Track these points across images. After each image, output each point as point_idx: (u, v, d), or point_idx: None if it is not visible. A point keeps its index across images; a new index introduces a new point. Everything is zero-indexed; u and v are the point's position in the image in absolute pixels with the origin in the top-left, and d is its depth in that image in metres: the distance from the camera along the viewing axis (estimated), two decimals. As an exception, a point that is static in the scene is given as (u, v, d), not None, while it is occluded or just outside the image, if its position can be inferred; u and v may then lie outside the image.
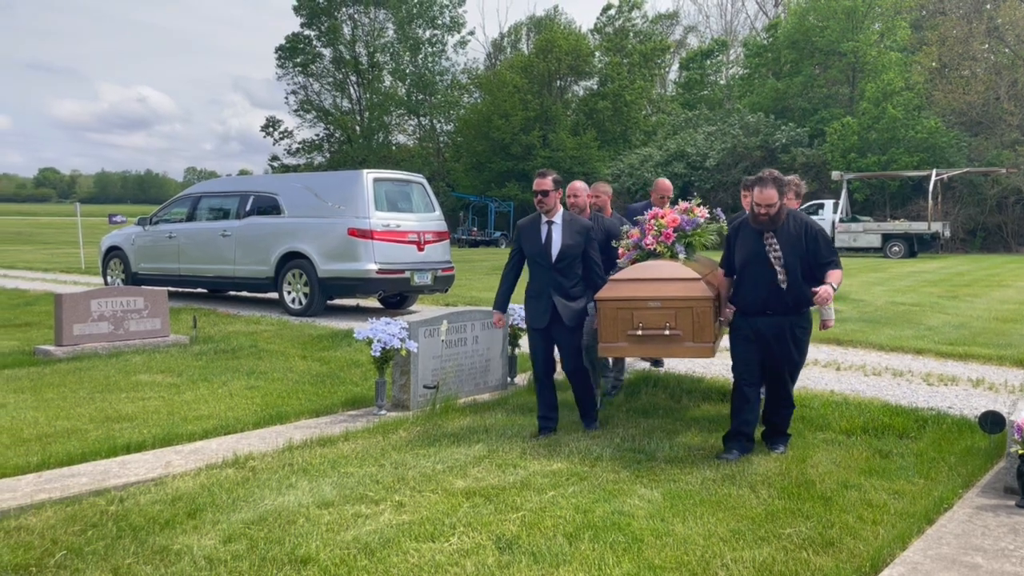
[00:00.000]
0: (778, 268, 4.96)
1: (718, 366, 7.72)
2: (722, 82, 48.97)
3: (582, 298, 5.50)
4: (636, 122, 44.72)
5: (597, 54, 45.67)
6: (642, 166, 37.73)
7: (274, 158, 51.90)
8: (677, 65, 51.27)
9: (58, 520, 3.90)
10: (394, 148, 49.90)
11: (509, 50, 52.47)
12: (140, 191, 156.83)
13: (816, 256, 5.01)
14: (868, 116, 33.79)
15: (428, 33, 50.22)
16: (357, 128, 50.04)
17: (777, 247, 4.95)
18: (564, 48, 43.00)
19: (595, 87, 45.43)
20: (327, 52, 49.96)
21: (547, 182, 5.43)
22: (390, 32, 50.18)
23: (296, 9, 49.11)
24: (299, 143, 51.18)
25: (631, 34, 47.63)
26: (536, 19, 51.30)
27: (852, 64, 37.83)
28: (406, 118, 51.87)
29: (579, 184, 6.27)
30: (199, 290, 13.55)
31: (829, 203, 30.08)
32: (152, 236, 13.21)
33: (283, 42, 49.90)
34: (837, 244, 28.97)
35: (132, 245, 13.48)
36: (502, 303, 5.76)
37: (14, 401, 6.33)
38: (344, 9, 49.33)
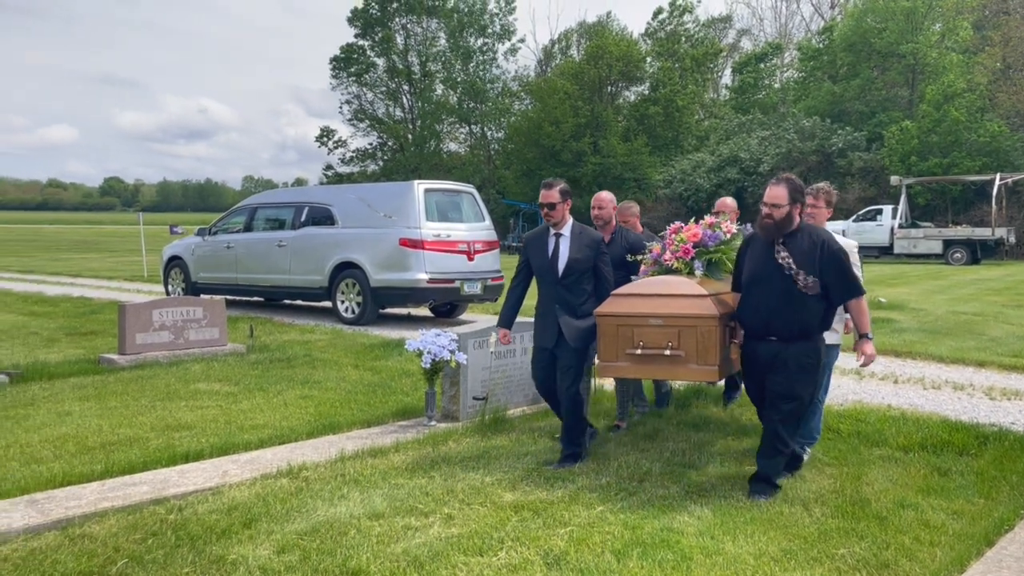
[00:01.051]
0: (795, 273, 4.42)
1: (771, 378, 7.62)
2: (776, 86, 48.26)
3: (591, 316, 5.07)
4: (688, 127, 44.31)
5: (648, 59, 45.40)
6: (694, 172, 37.38)
7: (328, 167, 52.75)
8: (729, 69, 50.70)
9: (120, 528, 4.03)
10: (445, 156, 50.29)
11: (559, 57, 52.48)
12: (200, 199, 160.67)
13: (833, 280, 4.42)
14: (928, 119, 32.94)
15: (479, 41, 50.56)
16: (409, 136, 50.57)
17: (789, 257, 4.43)
18: (615, 54, 42.83)
19: (646, 92, 45.16)
20: (380, 62, 50.64)
21: (553, 194, 5.12)
22: (442, 41, 50.65)
23: (351, 20, 49.91)
24: (353, 152, 51.93)
25: (683, 38, 47.26)
26: (587, 25, 51.26)
27: (911, 66, 36.94)
28: (457, 126, 52.25)
29: (604, 195, 5.99)
30: (255, 299, 13.84)
31: (888, 208, 29.41)
32: (211, 246, 13.55)
33: (338, 52, 50.74)
34: (896, 251, 28.33)
35: (192, 255, 13.84)
36: (507, 319, 5.44)
37: (79, 409, 6.55)
38: (397, 19, 49.96)
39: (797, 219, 4.47)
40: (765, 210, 4.42)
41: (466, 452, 5.38)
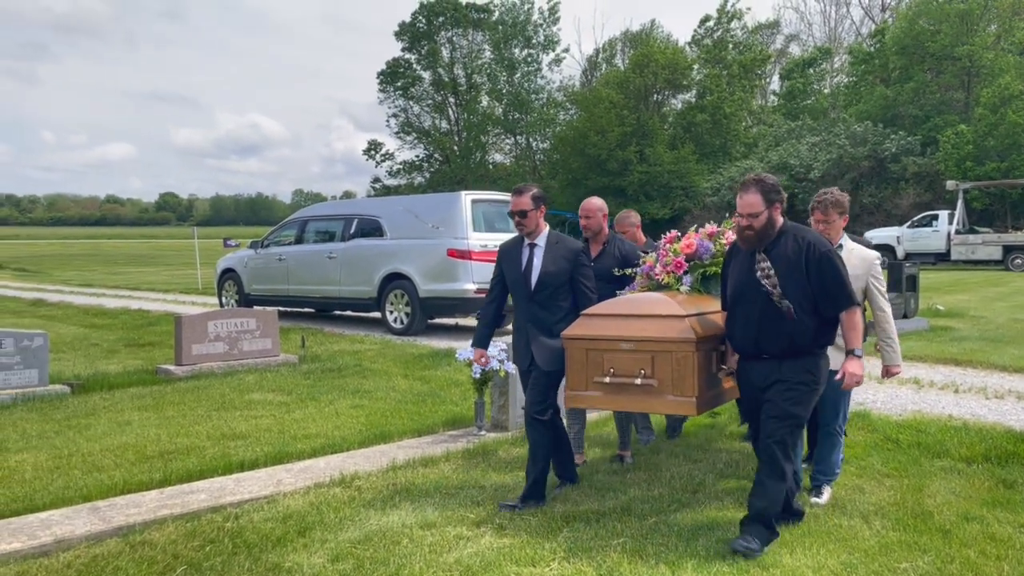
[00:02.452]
0: (773, 291, 3.90)
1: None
2: (826, 91, 47.52)
3: None
4: (736, 134, 43.89)
5: (695, 67, 45.10)
6: (743, 179, 36.96)
7: (376, 179, 53.47)
8: (777, 76, 50.08)
9: (179, 535, 4.11)
10: (491, 167, 50.58)
11: (604, 66, 52.44)
12: (251, 213, 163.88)
13: (820, 287, 3.86)
14: (985, 122, 32.12)
15: (524, 52, 50.81)
16: (455, 148, 51.01)
17: (770, 269, 3.91)
18: (661, 62, 42.65)
19: (693, 100, 44.85)
20: (426, 75, 51.25)
21: (524, 200, 4.62)
22: (487, 53, 51.05)
23: (398, 34, 50.62)
24: (400, 164, 52.57)
25: (730, 45, 46.86)
26: (631, 34, 51.14)
27: (966, 68, 36.09)
28: (503, 137, 52.56)
29: (592, 202, 5.40)
30: (306, 310, 14.05)
31: (944, 214, 28.70)
32: (263, 259, 13.80)
33: (385, 67, 51.42)
34: (954, 257, 27.59)
35: (245, 267, 14.11)
36: (481, 339, 5.00)
37: (139, 419, 6.70)
38: (443, 33, 50.53)
39: (779, 220, 3.96)
40: (743, 222, 3.92)
41: (516, 462, 5.37)
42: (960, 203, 29.08)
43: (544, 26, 51.06)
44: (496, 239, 11.47)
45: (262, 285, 13.79)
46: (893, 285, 11.23)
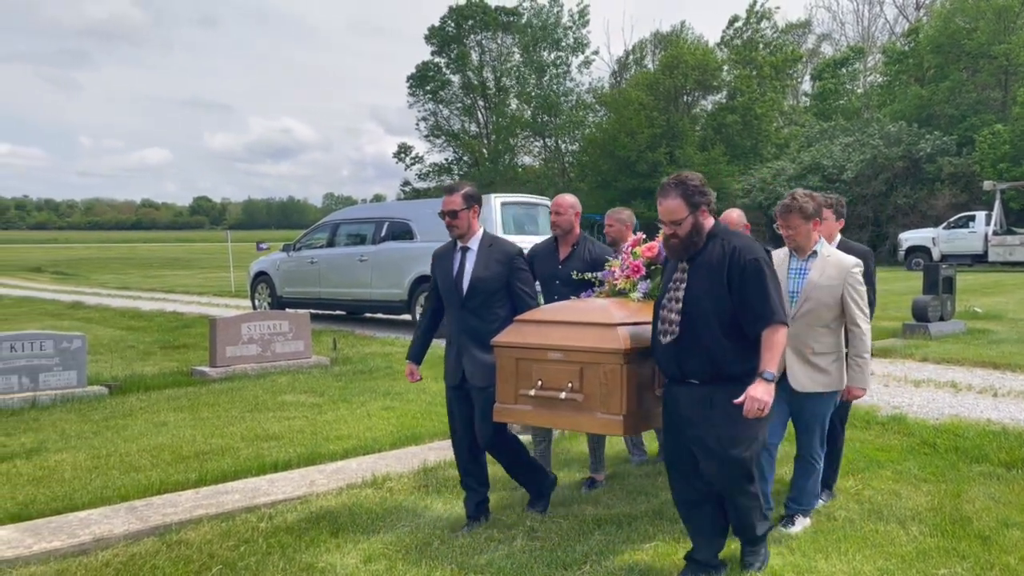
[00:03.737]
0: (669, 314, 3.43)
1: (860, 391, 7.38)
2: (859, 91, 46.92)
3: None
4: (767, 135, 43.47)
5: (725, 67, 44.78)
6: (774, 180, 36.58)
7: (406, 183, 53.73)
8: (809, 76, 49.56)
9: (214, 535, 4.16)
10: (520, 170, 50.61)
11: (634, 68, 52.26)
12: (283, 216, 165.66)
13: (743, 302, 3.33)
14: (1022, 122, 31.50)
15: (553, 55, 50.80)
16: (484, 151, 51.12)
17: (682, 283, 3.43)
18: (691, 63, 42.40)
19: (723, 101, 44.53)
20: (456, 79, 51.42)
21: (455, 199, 4.26)
22: (516, 56, 51.11)
23: (427, 38, 50.86)
24: (429, 167, 52.78)
25: (760, 45, 46.46)
26: (661, 36, 50.90)
27: (1004, 67, 35.43)
28: (531, 140, 52.57)
29: (564, 198, 4.96)
30: (338, 312, 14.16)
31: (981, 215, 28.18)
32: (296, 261, 13.95)
33: (414, 71, 51.69)
34: (991, 258, 27.09)
35: (277, 270, 14.27)
36: (414, 352, 4.57)
37: (174, 420, 6.80)
38: (472, 36, 50.67)
39: (707, 224, 3.46)
40: (667, 229, 3.46)
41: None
42: (997, 204, 28.52)
43: (573, 28, 51.02)
44: (526, 242, 11.43)
45: (294, 288, 13.93)
46: (930, 287, 11.06)
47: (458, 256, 4.34)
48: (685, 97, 44.60)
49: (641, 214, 42.96)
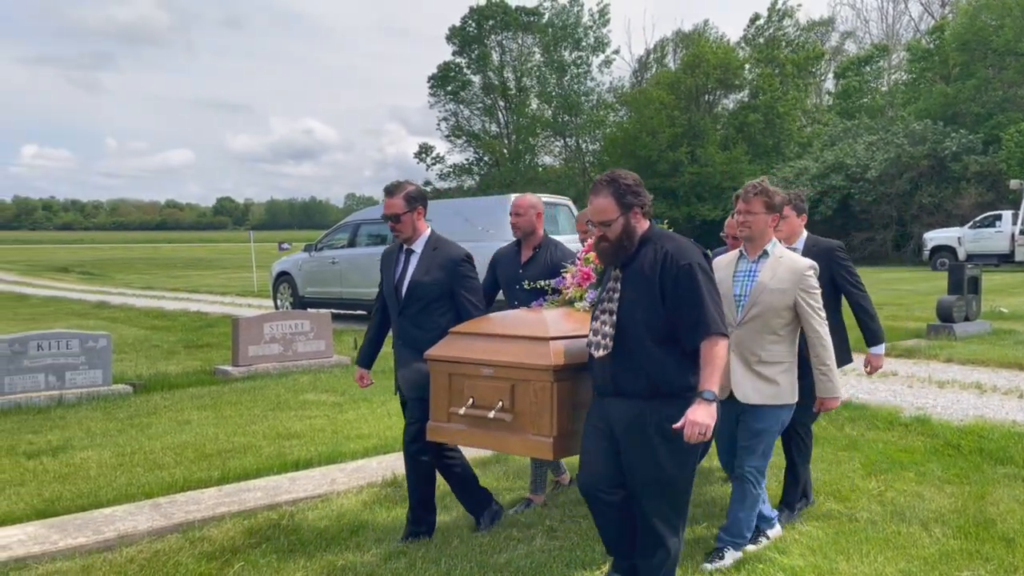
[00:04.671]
0: (602, 326, 3.15)
1: (883, 392, 7.32)
2: (883, 89, 46.45)
3: None
4: (790, 134, 43.16)
5: (747, 66, 44.51)
6: (797, 179, 36.31)
7: (427, 183, 53.81)
8: (832, 74, 49.13)
9: (237, 532, 4.21)
10: (540, 169, 50.57)
11: (655, 67, 52.07)
12: (305, 217, 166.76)
13: (677, 312, 3.04)
14: (1051, 119, 31.06)
15: (573, 55, 50.75)
16: (505, 151, 51.14)
17: (616, 292, 3.16)
18: (712, 62, 42.18)
19: (745, 99, 44.26)
20: (476, 79, 51.48)
21: (396, 202, 4.00)
22: (537, 56, 51.09)
23: (448, 38, 50.97)
24: (450, 167, 52.89)
25: (783, 43, 46.13)
26: (682, 34, 50.67)
27: (1032, 63, 34.93)
28: (552, 139, 52.52)
29: (526, 199, 4.66)
30: (359, 312, 14.23)
31: (1007, 214, 27.80)
32: (317, 262, 14.04)
33: (435, 71, 51.83)
34: (1018, 258, 26.73)
35: (299, 270, 14.37)
36: (364, 357, 4.41)
37: (198, 418, 6.87)
38: (493, 36, 50.73)
39: (641, 227, 3.17)
40: (597, 232, 3.20)
41: (567, 465, 5.37)
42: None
43: (594, 28, 50.91)
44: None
45: (316, 288, 14.02)
46: (955, 287, 10.94)
47: (402, 259, 4.12)
48: (707, 96, 44.37)
49: (662, 214, 42.83)
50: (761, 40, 46.46)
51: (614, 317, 3.11)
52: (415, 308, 4.01)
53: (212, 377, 8.76)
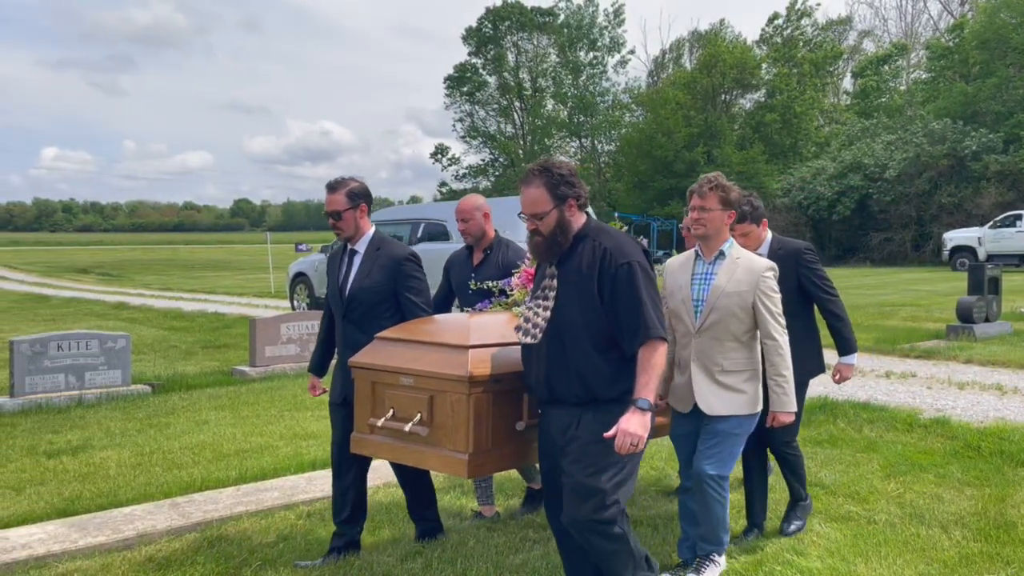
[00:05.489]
0: (534, 316, 2.96)
1: (902, 393, 7.26)
2: (902, 88, 46.09)
3: None
4: (807, 134, 42.93)
5: (764, 66, 44.30)
6: (815, 179, 36.12)
7: (443, 184, 53.95)
8: (850, 73, 48.81)
9: (254, 531, 4.23)
10: (556, 170, 50.57)
11: (671, 66, 51.95)
12: (322, 218, 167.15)
13: (615, 314, 2.84)
14: (1073, 117, 30.69)
15: (589, 55, 50.73)
16: (520, 152, 51.16)
17: (551, 291, 2.95)
18: (729, 61, 42.01)
19: (762, 99, 44.06)
20: (492, 80, 51.57)
21: (338, 198, 3.81)
22: (552, 57, 51.12)
23: (464, 38, 51.10)
24: (466, 168, 53.00)
25: (800, 43, 45.89)
26: (699, 34, 50.52)
27: (1053, 61, 34.54)
28: (567, 140, 52.51)
29: (469, 202, 4.41)
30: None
31: (1029, 214, 27.52)
32: (333, 263, 14.10)
33: (452, 71, 51.96)
34: (1038, 259, 26.45)
35: (316, 271, 14.43)
36: (315, 364, 4.17)
37: (215, 418, 6.92)
38: (509, 37, 50.80)
39: (577, 222, 2.98)
40: (529, 225, 2.97)
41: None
42: (1046, 202, 27.84)
43: (609, 28, 50.90)
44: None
45: (332, 289, 14.08)
46: (975, 288, 10.83)
47: (346, 260, 3.93)
48: (723, 96, 44.20)
49: (679, 214, 42.66)
50: (779, 39, 46.24)
51: (548, 312, 2.92)
52: (358, 311, 3.82)
53: (230, 377, 8.82)
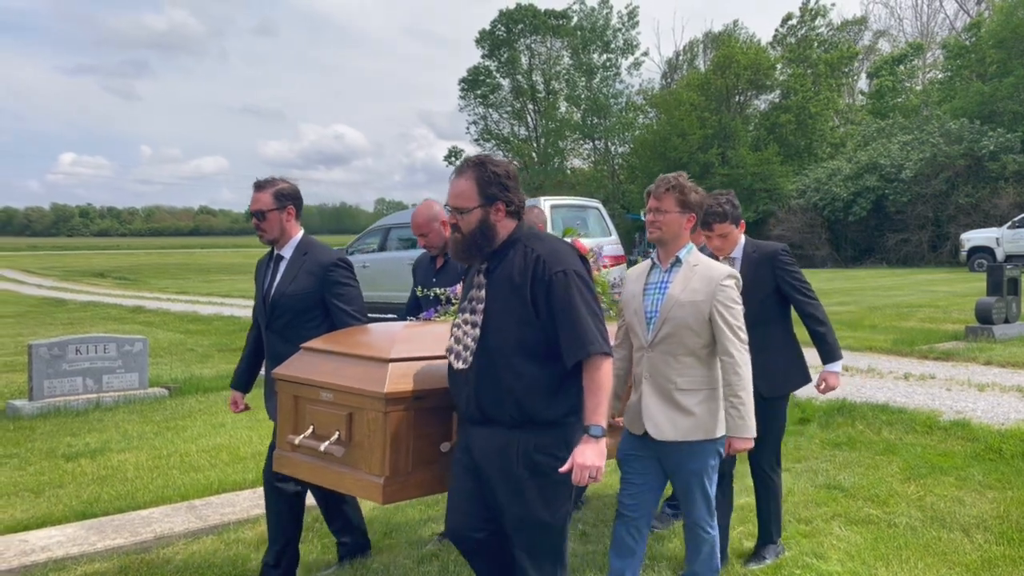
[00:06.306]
0: (464, 336, 2.68)
1: (921, 395, 7.20)
2: (918, 88, 45.79)
3: None
4: (822, 134, 42.72)
5: (778, 66, 44.13)
6: (830, 180, 35.92)
7: (457, 186, 54.07)
8: (865, 73, 48.54)
9: (271, 534, 4.23)
10: (569, 172, 50.56)
11: (685, 67, 51.85)
12: (336, 222, 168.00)
13: (551, 326, 2.57)
14: (1093, 116, 30.36)
15: (602, 57, 50.72)
16: (533, 155, 51.21)
17: (480, 302, 2.67)
18: (743, 63, 41.87)
19: (777, 100, 43.88)
20: (506, 82, 51.65)
21: (264, 197, 3.56)
22: (565, 59, 51.14)
23: (478, 41, 51.21)
24: (479, 171, 53.10)
25: (815, 43, 45.69)
26: (712, 35, 50.40)
27: (1072, 60, 34.20)
28: (581, 142, 52.49)
29: (423, 213, 4.10)
30: (389, 316, 14.30)
31: (1047, 214, 27.25)
32: (347, 266, 14.14)
33: (466, 74, 52.09)
34: (1058, 260, 26.19)
35: (330, 274, 14.48)
36: (238, 378, 3.91)
37: (232, 421, 6.94)
38: (522, 40, 50.88)
39: (505, 227, 2.69)
40: (450, 218, 2.73)
41: (599, 468, 5.35)
42: (1066, 202, 27.56)
43: (623, 30, 50.85)
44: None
45: (347, 292, 14.12)
46: (994, 288, 10.73)
47: (272, 266, 3.67)
48: (737, 97, 44.05)
49: (692, 216, 42.49)
50: (793, 40, 46.07)
51: (477, 330, 2.63)
52: (282, 321, 3.54)
53: (246, 380, 8.84)
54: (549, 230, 11.07)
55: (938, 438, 5.89)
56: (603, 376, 2.51)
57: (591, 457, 2.47)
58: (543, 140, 51.28)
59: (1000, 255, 26.27)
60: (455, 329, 2.73)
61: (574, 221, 11.91)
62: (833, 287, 19.72)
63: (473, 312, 2.66)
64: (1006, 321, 10.61)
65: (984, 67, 37.71)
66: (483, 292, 2.65)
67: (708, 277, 3.06)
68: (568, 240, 3.27)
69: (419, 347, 2.90)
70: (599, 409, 2.50)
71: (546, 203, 11.55)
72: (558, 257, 2.59)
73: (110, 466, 5.60)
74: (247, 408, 3.85)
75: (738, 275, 3.13)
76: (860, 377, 8.16)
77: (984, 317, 10.45)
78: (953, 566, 3.71)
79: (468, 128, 53.78)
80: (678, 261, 3.12)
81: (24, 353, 8.23)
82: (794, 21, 46.44)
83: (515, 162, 50.49)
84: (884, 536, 4.07)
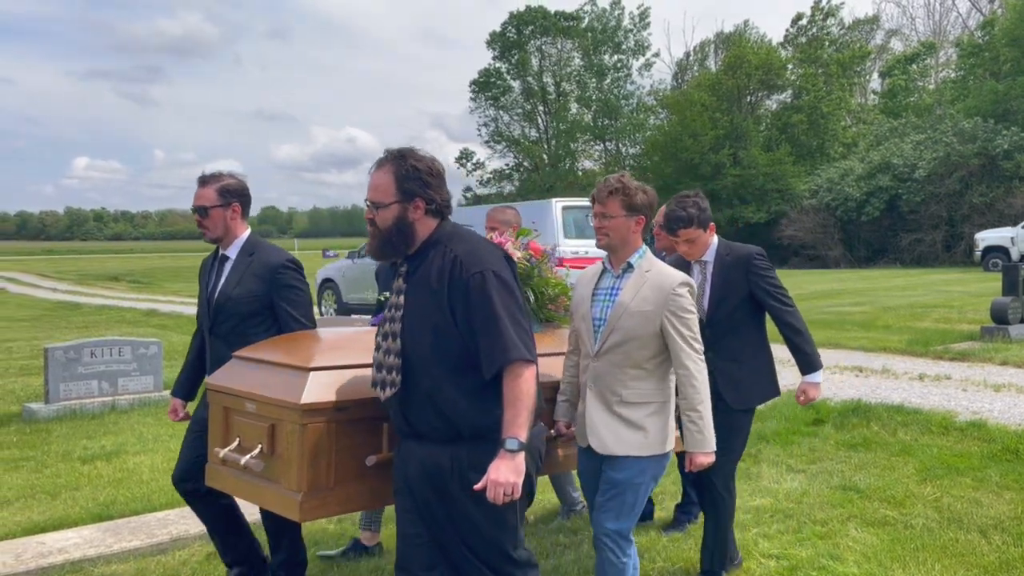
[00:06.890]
0: (385, 357, 2.49)
1: (937, 396, 7.15)
2: (931, 87, 45.53)
3: None
4: (834, 134, 42.54)
5: (790, 66, 43.98)
6: (842, 180, 35.77)
7: (467, 189, 54.11)
8: (877, 73, 48.31)
9: (285, 536, 4.24)
10: (580, 174, 50.52)
11: (696, 67, 51.74)
12: (348, 224, 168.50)
13: (469, 333, 2.38)
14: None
15: (613, 58, 50.71)
16: (544, 156, 51.22)
17: (399, 309, 2.50)
18: (754, 63, 41.76)
19: (788, 100, 43.74)
20: (516, 84, 51.69)
21: (207, 193, 3.38)
22: (576, 61, 51.14)
23: (489, 43, 51.28)
24: (490, 173, 53.13)
25: (826, 43, 45.51)
26: (723, 36, 50.28)
27: (1087, 57, 33.93)
28: (592, 144, 52.47)
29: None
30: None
31: (1062, 214, 27.05)
32: (360, 268, 14.19)
33: (477, 76, 52.17)
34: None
35: (343, 277, 14.55)
36: (180, 385, 3.65)
37: (245, 423, 6.98)
38: (533, 41, 50.92)
39: (424, 227, 2.52)
40: (367, 213, 2.58)
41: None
42: (1081, 201, 27.33)
43: (634, 31, 50.82)
44: (588, 246, 11.46)
45: (358, 294, 14.18)
46: (1008, 288, 10.65)
47: (215, 267, 3.48)
48: (749, 97, 43.92)
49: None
50: (804, 40, 45.90)
51: (398, 343, 2.45)
52: (226, 325, 3.34)
53: (259, 383, 8.88)
54: (561, 231, 11.10)
55: (954, 439, 5.85)
56: (523, 385, 2.33)
57: (505, 473, 2.28)
58: (554, 142, 51.27)
59: (1015, 254, 26.07)
60: (376, 353, 2.53)
61: (586, 222, 11.91)
62: (846, 287, 19.63)
63: (393, 321, 2.48)
64: (1022, 321, 10.53)
65: (998, 65, 37.46)
66: (402, 299, 2.49)
67: (660, 285, 2.87)
68: (524, 240, 3.24)
69: (346, 355, 2.77)
70: (517, 420, 2.31)
71: (558, 204, 11.57)
72: (476, 257, 2.41)
73: (126, 468, 5.63)
74: (187, 417, 3.60)
75: (692, 282, 2.95)
76: (875, 378, 8.11)
77: (1000, 317, 10.37)
78: (971, 568, 3.69)
79: (479, 130, 53.91)
80: (629, 267, 2.94)
81: (40, 356, 8.30)
82: (805, 21, 46.27)
83: (524, 163, 50.52)
84: (901, 537, 4.05)
